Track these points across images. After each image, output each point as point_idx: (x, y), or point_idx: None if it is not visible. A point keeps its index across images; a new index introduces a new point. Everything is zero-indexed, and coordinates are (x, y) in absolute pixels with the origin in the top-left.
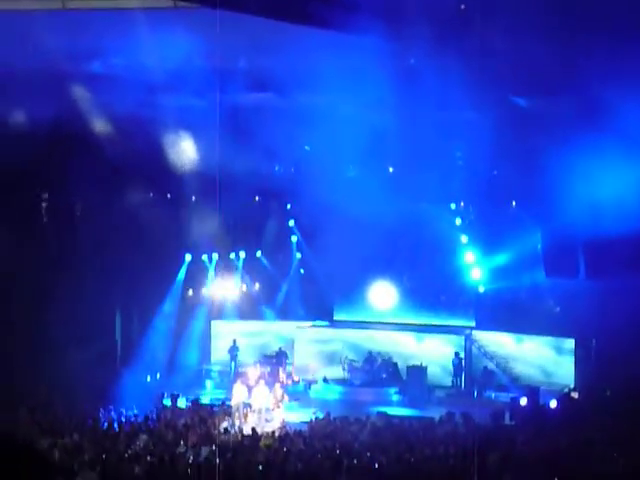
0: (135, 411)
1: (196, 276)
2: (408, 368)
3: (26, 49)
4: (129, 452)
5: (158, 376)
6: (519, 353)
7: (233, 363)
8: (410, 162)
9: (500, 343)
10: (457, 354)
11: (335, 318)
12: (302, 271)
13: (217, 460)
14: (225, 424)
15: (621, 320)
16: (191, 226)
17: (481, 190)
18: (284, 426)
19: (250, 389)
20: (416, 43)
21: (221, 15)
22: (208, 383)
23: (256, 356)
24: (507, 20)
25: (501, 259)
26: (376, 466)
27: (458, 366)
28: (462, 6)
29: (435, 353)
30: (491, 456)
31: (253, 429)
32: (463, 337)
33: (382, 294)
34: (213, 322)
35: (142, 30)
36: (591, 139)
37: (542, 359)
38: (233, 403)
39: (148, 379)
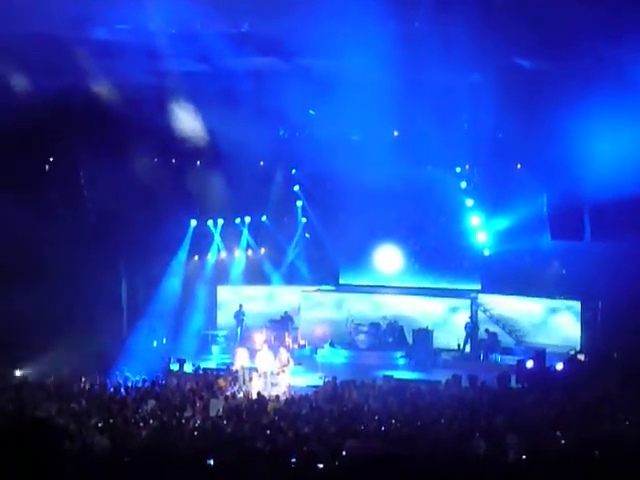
0: (142, 376)
1: (202, 241)
2: (414, 331)
3: (29, 15)
4: (136, 417)
5: (165, 341)
6: (525, 316)
7: (239, 328)
8: (415, 126)
9: (506, 306)
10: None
11: (341, 282)
12: (307, 235)
13: (224, 423)
14: (231, 389)
15: (627, 282)
16: (196, 191)
17: (486, 153)
18: (290, 390)
19: (255, 353)
20: (421, 7)
21: None
22: (214, 348)
23: (262, 321)
24: None
25: (507, 222)
26: (383, 429)
27: (464, 329)
28: None
29: (441, 316)
30: (497, 418)
31: (259, 393)
32: (469, 300)
33: (388, 258)
34: (219, 287)
35: None
36: (597, 102)
37: (548, 322)
38: (236, 367)
39: (155, 344)
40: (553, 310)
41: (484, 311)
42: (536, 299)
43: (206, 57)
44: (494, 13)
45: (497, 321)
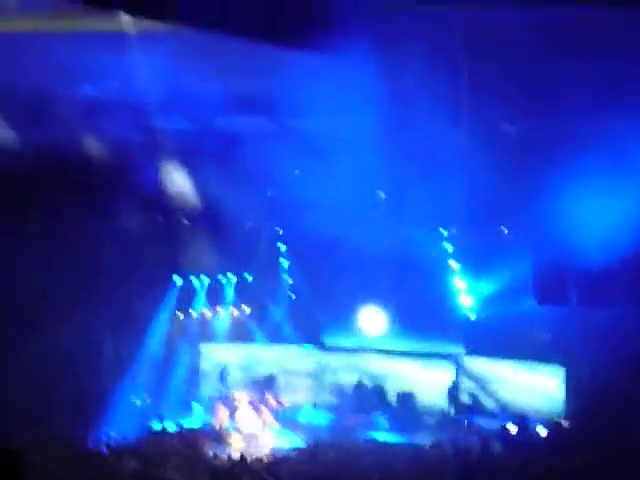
0: (124, 434)
1: (186, 299)
2: (397, 394)
3: (15, 69)
4: (116, 474)
5: (147, 399)
6: (509, 380)
7: (222, 387)
8: (401, 187)
9: (490, 370)
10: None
11: (324, 343)
12: (292, 296)
13: None
14: (213, 449)
15: (612, 349)
16: (181, 249)
17: (472, 216)
18: (272, 451)
19: (237, 413)
20: (408, 68)
21: (211, 39)
22: (196, 407)
23: (245, 380)
24: (499, 46)
25: (492, 286)
26: None
27: (448, 393)
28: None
29: (425, 379)
30: None
31: (241, 454)
32: (453, 364)
33: (372, 320)
34: (202, 345)
35: (132, 53)
36: (583, 167)
37: (532, 387)
38: (217, 427)
39: (137, 402)
40: (537, 375)
41: (468, 375)
42: (521, 364)
43: (194, 116)
44: (482, 76)
45: (481, 385)
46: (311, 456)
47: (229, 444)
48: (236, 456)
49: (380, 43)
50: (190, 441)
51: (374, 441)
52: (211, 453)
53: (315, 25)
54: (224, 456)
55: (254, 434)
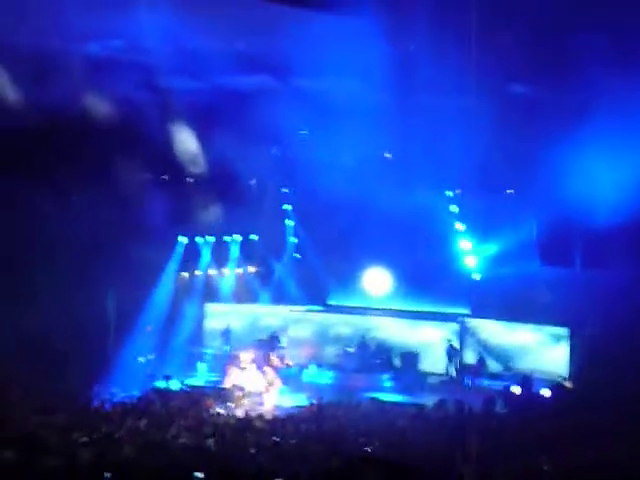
0: (128, 392)
1: (191, 258)
2: (401, 354)
3: (20, 29)
4: (121, 433)
5: (151, 357)
6: (513, 341)
7: (226, 346)
8: (407, 149)
9: (494, 331)
10: (450, 341)
11: (329, 303)
12: (297, 255)
13: (210, 442)
14: (217, 407)
15: (615, 310)
16: (186, 208)
17: (478, 178)
18: (276, 410)
19: (242, 372)
20: (414, 29)
21: None
22: (201, 366)
23: (249, 339)
24: (505, 11)
25: (497, 247)
26: (368, 451)
27: (452, 353)
28: None
29: (429, 340)
30: (482, 443)
31: (246, 412)
32: (457, 324)
33: (377, 280)
34: (207, 305)
35: (138, 11)
36: (588, 129)
37: (536, 348)
38: (226, 386)
39: (142, 360)
40: (541, 336)
41: (472, 335)
42: (524, 325)
43: (199, 74)
44: (490, 37)
45: (485, 346)
46: (315, 415)
47: (234, 403)
48: (241, 415)
49: (388, 3)
50: (195, 400)
51: (378, 400)
52: (215, 412)
53: None
54: (229, 415)
55: (259, 393)
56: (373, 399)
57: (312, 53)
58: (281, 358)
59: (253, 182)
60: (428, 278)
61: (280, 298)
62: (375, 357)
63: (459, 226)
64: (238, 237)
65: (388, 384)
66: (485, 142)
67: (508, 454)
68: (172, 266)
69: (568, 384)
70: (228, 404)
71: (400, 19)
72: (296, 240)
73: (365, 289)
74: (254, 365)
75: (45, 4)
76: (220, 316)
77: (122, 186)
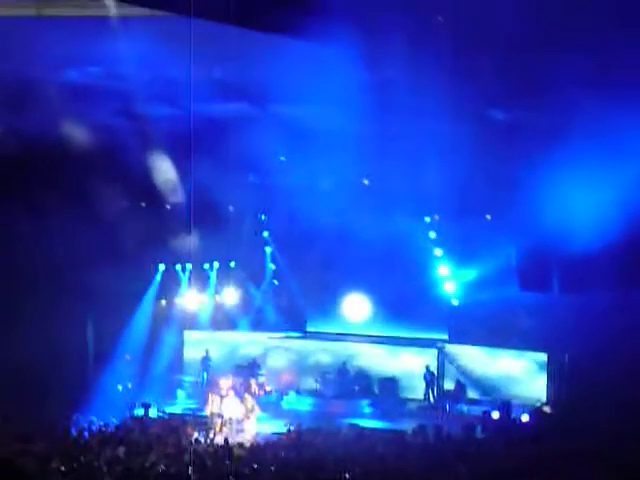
0: (107, 420)
1: (169, 286)
2: (380, 380)
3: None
4: (100, 461)
5: (130, 385)
6: (492, 367)
7: (205, 373)
8: (385, 175)
9: (473, 356)
10: (429, 367)
11: (308, 330)
12: (276, 282)
13: (189, 471)
14: (196, 435)
15: (594, 334)
16: (165, 236)
17: (455, 203)
18: (255, 437)
19: (221, 399)
20: (392, 55)
21: (196, 25)
22: (180, 393)
23: (228, 366)
24: (483, 34)
25: (475, 273)
26: (347, 477)
27: (430, 379)
28: (439, 18)
29: (408, 366)
30: (461, 469)
31: (225, 440)
32: (436, 350)
33: (355, 306)
34: (186, 332)
35: (117, 38)
36: (566, 152)
37: (514, 373)
38: (207, 413)
39: (120, 388)
40: (520, 362)
41: (451, 361)
42: (504, 350)
43: (176, 101)
44: (467, 61)
45: (464, 371)
46: (294, 442)
47: (213, 430)
48: (220, 442)
49: (364, 30)
50: (174, 427)
51: (357, 427)
52: (194, 439)
53: (299, 12)
54: (208, 442)
55: (238, 420)
56: (352, 425)
57: (289, 80)
58: (260, 385)
59: (231, 209)
60: (407, 304)
61: (259, 325)
62: (354, 383)
63: (437, 252)
64: (216, 264)
65: (367, 410)
66: (463, 167)
67: (488, 479)
68: (151, 293)
69: (547, 409)
70: (207, 431)
71: (376, 45)
72: (274, 267)
73: (344, 315)
74: (232, 392)
75: (23, 32)
76: (199, 343)
77: (100, 214)
